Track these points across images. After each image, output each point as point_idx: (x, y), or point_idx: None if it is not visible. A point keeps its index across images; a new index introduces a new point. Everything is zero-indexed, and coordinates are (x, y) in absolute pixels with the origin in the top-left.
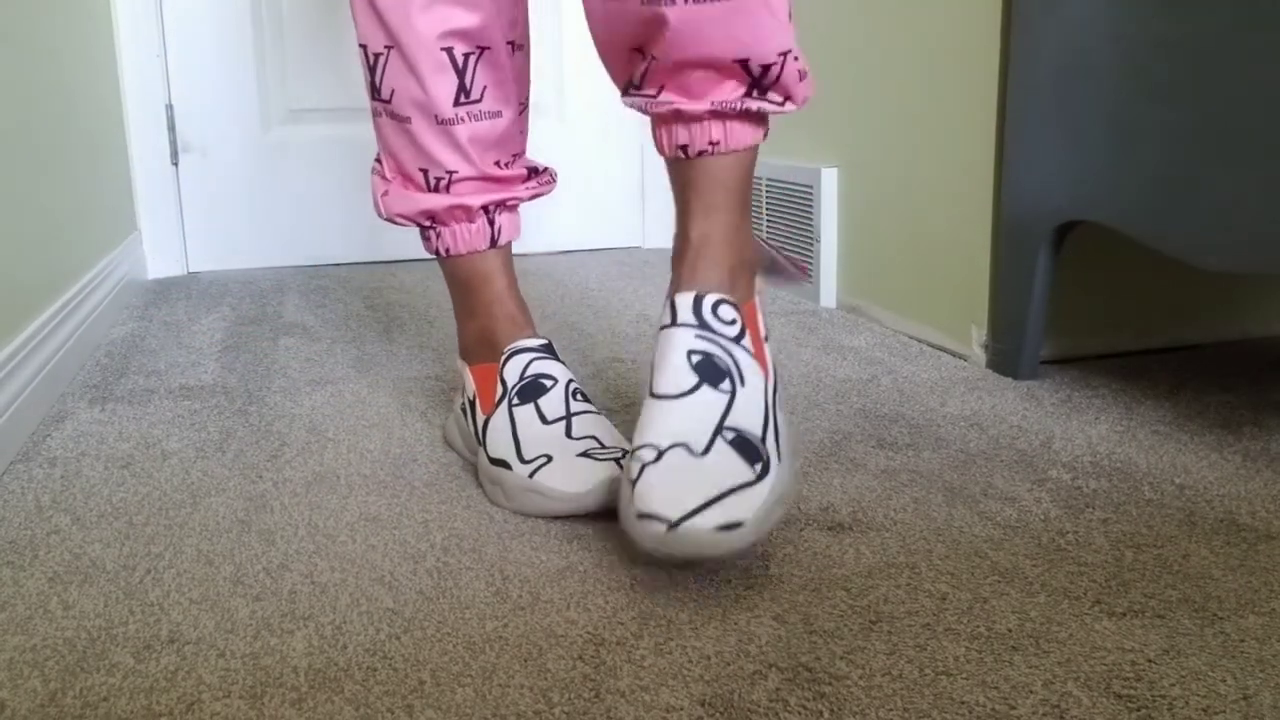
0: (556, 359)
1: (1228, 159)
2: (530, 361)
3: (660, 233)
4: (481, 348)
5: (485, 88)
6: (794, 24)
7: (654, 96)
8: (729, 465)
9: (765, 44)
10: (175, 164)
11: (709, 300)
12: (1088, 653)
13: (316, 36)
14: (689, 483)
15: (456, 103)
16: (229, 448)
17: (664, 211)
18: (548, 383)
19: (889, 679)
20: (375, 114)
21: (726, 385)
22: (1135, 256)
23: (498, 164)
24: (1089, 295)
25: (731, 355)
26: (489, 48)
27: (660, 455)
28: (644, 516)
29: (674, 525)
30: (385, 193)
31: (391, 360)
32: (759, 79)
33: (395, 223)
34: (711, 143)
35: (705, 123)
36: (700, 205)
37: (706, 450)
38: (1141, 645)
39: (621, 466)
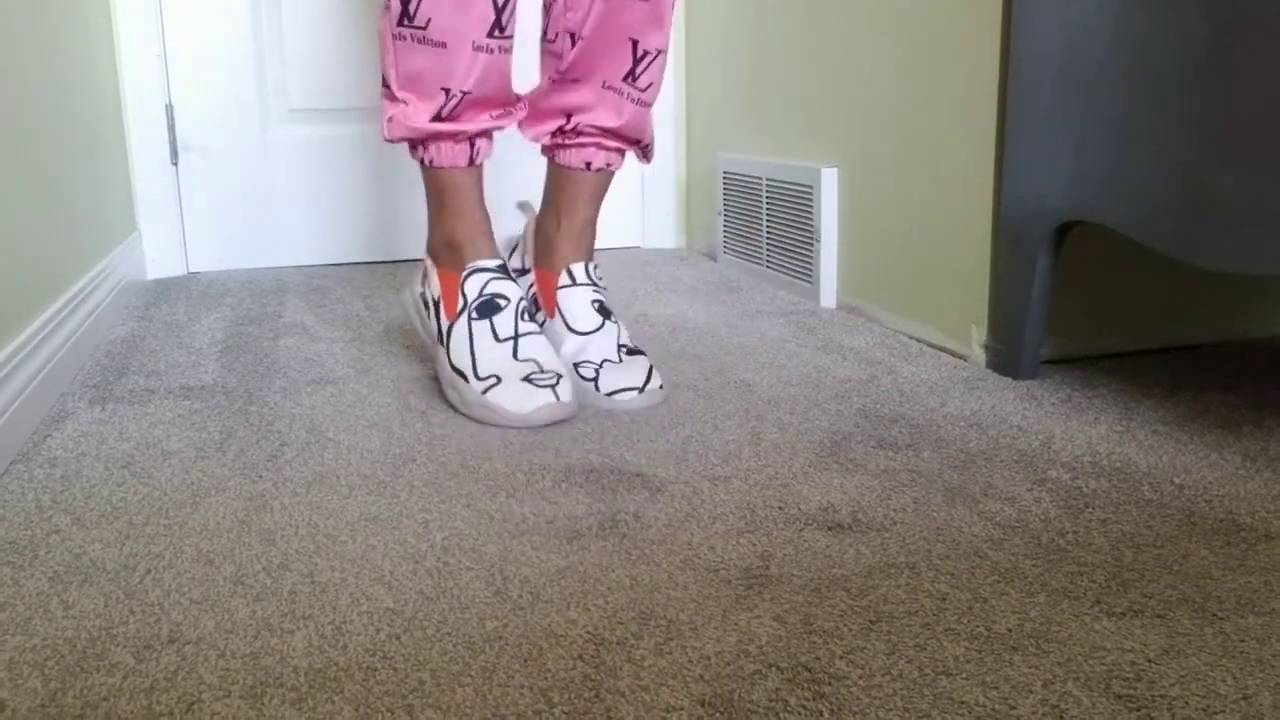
0: (509, 278)
1: (1228, 159)
2: (488, 281)
3: (659, 233)
4: (447, 252)
5: (512, 25)
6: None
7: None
8: (636, 362)
9: (650, 132)
10: (175, 164)
11: (591, 265)
12: (1087, 653)
13: (316, 36)
14: (629, 374)
15: (490, 34)
16: (229, 448)
17: (663, 212)
18: (501, 302)
19: (889, 679)
20: (398, 38)
21: (613, 319)
22: (1135, 257)
23: (502, 89)
24: (1089, 295)
25: (607, 299)
26: None
27: (600, 367)
28: (616, 391)
29: (640, 389)
30: (391, 118)
31: (391, 360)
32: (643, 148)
33: (394, 142)
34: (608, 164)
35: (610, 153)
36: (584, 201)
37: (620, 360)
38: (1141, 645)
39: (556, 393)
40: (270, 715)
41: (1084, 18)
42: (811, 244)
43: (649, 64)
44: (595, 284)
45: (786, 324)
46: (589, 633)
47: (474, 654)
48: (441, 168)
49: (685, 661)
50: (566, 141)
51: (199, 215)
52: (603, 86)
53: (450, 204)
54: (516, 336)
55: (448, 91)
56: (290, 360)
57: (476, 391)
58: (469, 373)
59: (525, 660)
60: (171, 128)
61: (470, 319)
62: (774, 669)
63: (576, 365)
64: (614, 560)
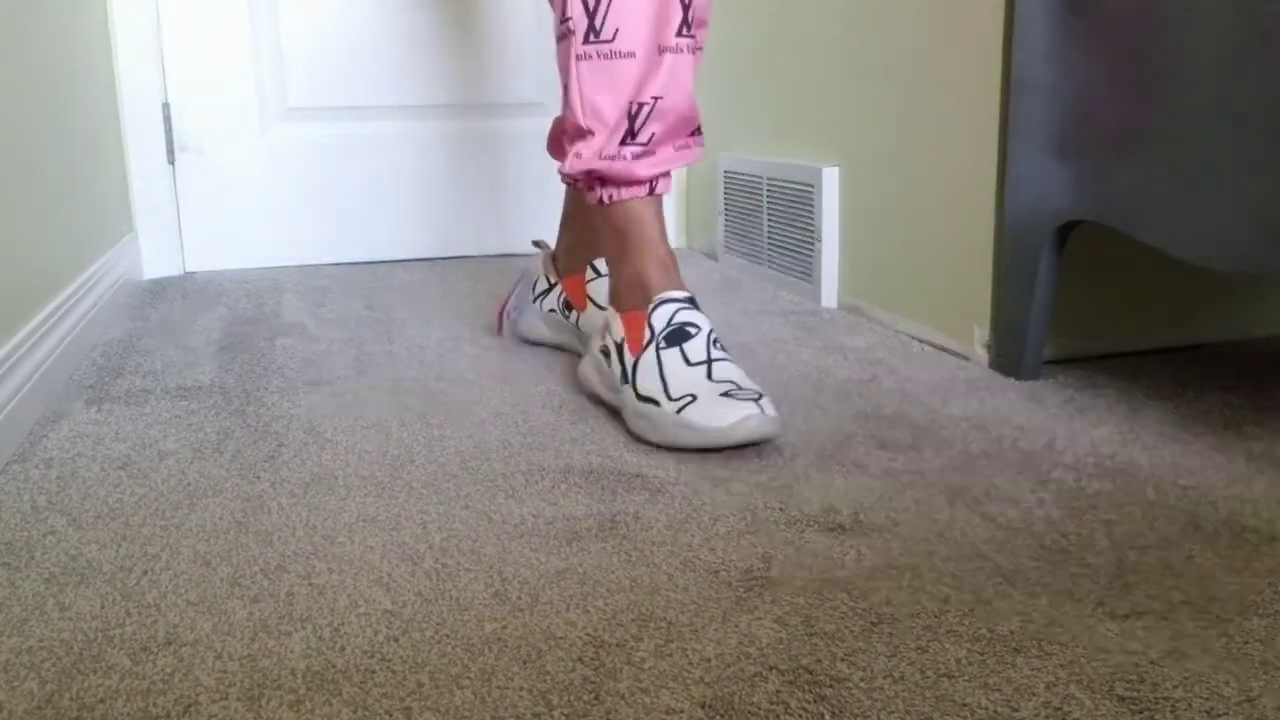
0: (699, 310)
1: (1228, 159)
2: (676, 311)
3: None
4: (633, 292)
5: (700, 24)
6: None
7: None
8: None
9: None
10: (172, 163)
11: None
12: (1090, 654)
13: (314, 35)
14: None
15: (678, 33)
16: (226, 448)
17: (664, 212)
18: (692, 330)
19: (890, 681)
20: (580, 58)
21: None
22: (1137, 257)
23: (688, 102)
24: (1091, 295)
25: None
26: None
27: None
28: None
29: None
30: (578, 153)
31: (390, 360)
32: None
33: (575, 179)
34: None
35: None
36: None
37: None
38: (1144, 647)
39: (760, 406)
40: (268, 718)
41: (1085, 18)
42: (812, 244)
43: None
44: None
45: (787, 324)
46: (588, 635)
47: (473, 656)
48: (622, 201)
49: (685, 664)
50: None
51: (196, 215)
52: None
53: (634, 239)
54: (710, 361)
55: (631, 105)
56: (288, 360)
57: (670, 412)
58: (660, 396)
59: (524, 662)
60: (168, 127)
61: (659, 348)
62: (775, 671)
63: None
64: (613, 562)
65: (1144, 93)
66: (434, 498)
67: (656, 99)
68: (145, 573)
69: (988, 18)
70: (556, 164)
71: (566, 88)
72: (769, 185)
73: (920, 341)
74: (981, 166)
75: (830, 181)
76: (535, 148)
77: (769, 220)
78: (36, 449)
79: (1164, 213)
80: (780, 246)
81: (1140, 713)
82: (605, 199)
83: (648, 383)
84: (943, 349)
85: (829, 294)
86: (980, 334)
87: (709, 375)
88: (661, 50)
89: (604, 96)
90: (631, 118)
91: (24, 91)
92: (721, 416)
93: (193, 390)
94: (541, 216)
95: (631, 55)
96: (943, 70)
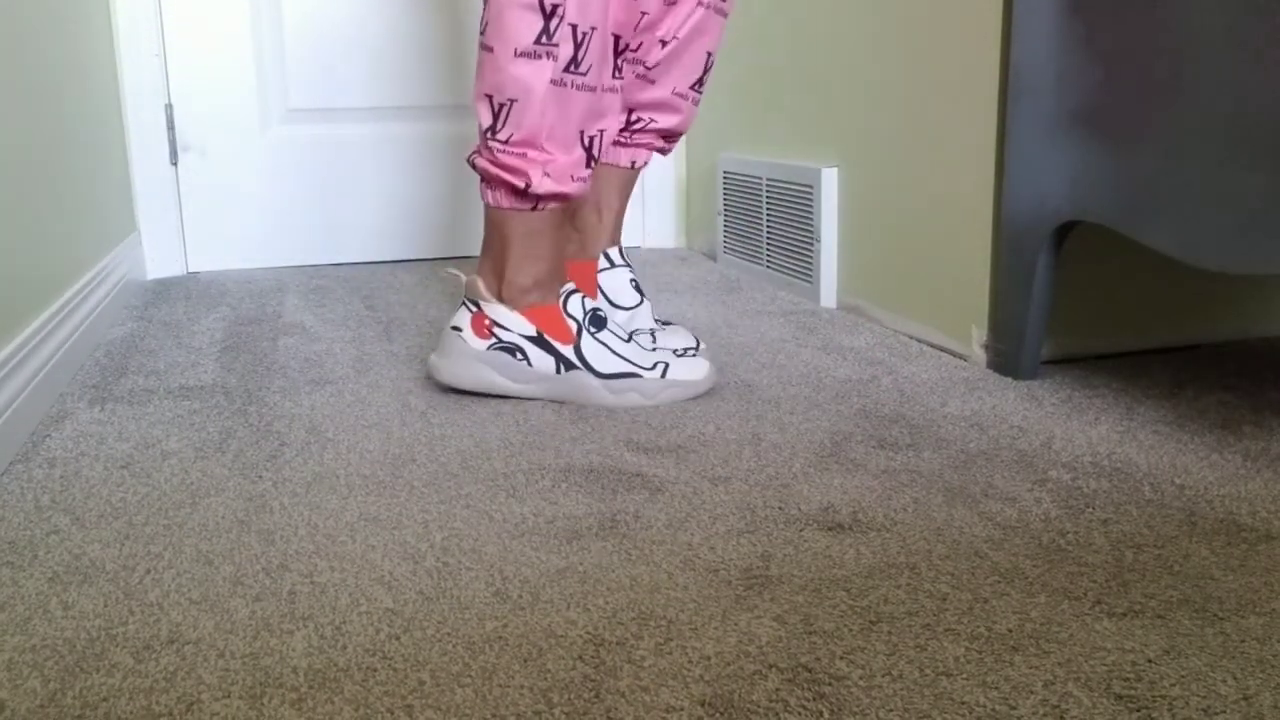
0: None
1: (1225, 159)
2: (583, 298)
3: (659, 233)
4: (536, 290)
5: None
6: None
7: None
8: (679, 329)
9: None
10: (174, 164)
11: (621, 249)
12: (1088, 653)
13: (315, 36)
14: (681, 337)
15: (613, 74)
16: (228, 448)
17: (664, 212)
18: (600, 312)
19: (889, 679)
20: (555, 83)
21: (644, 296)
22: (1135, 256)
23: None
24: (1089, 295)
25: (638, 277)
26: (638, 47)
27: (653, 334)
28: (683, 351)
29: (697, 348)
30: (547, 172)
31: (391, 360)
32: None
33: (545, 199)
34: (647, 161)
35: (654, 151)
36: (621, 195)
37: (663, 328)
38: (1142, 645)
39: (707, 359)
40: (270, 716)
41: (1084, 18)
42: (811, 244)
43: (710, 71)
44: (629, 265)
45: (786, 324)
46: (589, 633)
47: (474, 654)
48: (549, 209)
49: (685, 662)
50: (622, 140)
51: (198, 215)
52: (673, 93)
53: (551, 242)
54: (632, 334)
55: (583, 134)
56: (290, 360)
57: (657, 378)
58: (638, 369)
59: (525, 661)
60: (171, 127)
61: (592, 334)
62: (774, 669)
63: (632, 334)
64: (614, 560)
65: (1143, 94)
66: (435, 497)
67: (602, 131)
68: (148, 571)
69: (987, 18)
70: (498, 170)
71: (523, 103)
72: (768, 186)
73: (919, 341)
74: (980, 167)
75: (829, 182)
76: None
77: (768, 221)
78: (40, 448)
79: (1162, 213)
80: (780, 247)
81: (1138, 711)
82: (538, 207)
83: (610, 363)
84: (941, 349)
85: (828, 294)
86: (978, 334)
87: (641, 345)
88: (608, 90)
89: (565, 124)
90: (587, 148)
91: (28, 93)
92: (695, 371)
93: (195, 390)
94: None
95: (593, 90)
96: (942, 71)
